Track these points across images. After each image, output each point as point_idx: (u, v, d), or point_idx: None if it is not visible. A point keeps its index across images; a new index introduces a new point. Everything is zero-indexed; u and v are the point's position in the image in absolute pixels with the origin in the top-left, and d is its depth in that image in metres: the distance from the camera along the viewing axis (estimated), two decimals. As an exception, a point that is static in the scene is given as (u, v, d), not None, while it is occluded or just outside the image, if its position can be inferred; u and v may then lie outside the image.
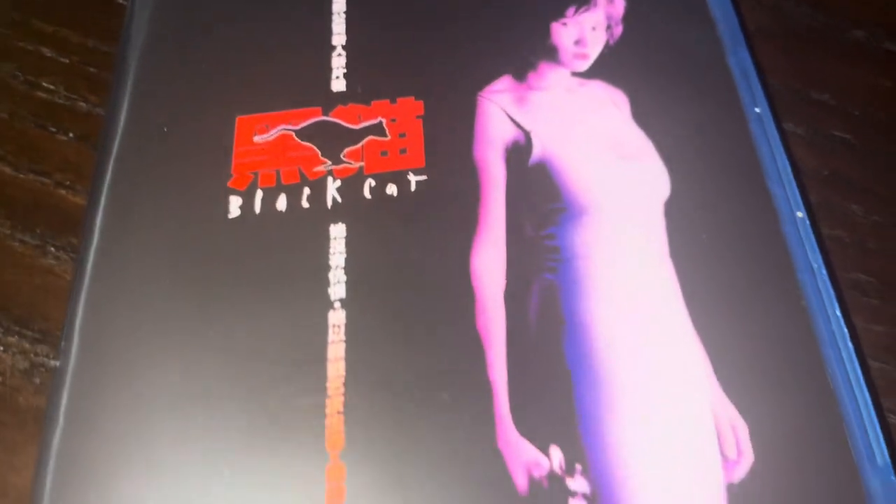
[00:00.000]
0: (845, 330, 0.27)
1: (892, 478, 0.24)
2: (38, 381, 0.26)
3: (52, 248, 0.29)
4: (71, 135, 0.32)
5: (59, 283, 0.28)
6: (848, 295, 0.31)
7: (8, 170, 0.31)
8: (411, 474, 0.23)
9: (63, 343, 0.25)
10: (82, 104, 0.32)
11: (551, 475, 0.23)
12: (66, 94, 0.33)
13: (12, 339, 0.27)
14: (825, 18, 0.39)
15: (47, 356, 0.27)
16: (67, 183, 0.30)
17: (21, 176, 0.30)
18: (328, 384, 0.24)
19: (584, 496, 0.23)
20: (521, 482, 0.23)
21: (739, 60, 0.33)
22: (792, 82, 0.36)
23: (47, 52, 0.34)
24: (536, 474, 0.23)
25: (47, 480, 0.23)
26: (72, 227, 0.29)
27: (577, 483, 0.23)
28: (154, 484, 0.23)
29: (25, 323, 0.27)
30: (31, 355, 0.27)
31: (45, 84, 0.33)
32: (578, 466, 0.23)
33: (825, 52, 0.38)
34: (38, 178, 0.30)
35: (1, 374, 0.26)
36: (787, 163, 0.30)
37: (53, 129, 0.32)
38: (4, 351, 0.27)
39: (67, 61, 0.33)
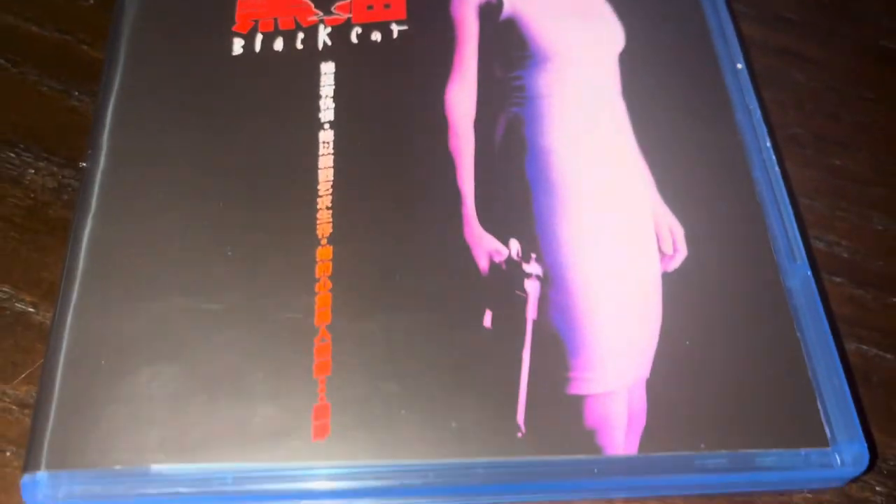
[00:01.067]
0: (773, 157, 0.30)
1: (809, 273, 0.28)
2: (65, 197, 0.30)
3: (76, 93, 0.33)
4: (91, 1, 0.35)
5: (83, 121, 0.32)
6: (786, 146, 0.34)
7: (35, 28, 0.34)
8: (390, 259, 0.27)
9: (90, 151, 0.28)
10: None
11: (509, 260, 0.27)
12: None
13: (42, 164, 0.31)
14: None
15: (73, 178, 0.30)
16: (89, 41, 0.34)
17: (47, 34, 0.34)
18: (319, 186, 0.28)
19: (537, 277, 0.27)
20: (484, 266, 0.27)
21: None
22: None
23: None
24: (497, 259, 0.27)
25: (77, 269, 0.26)
26: (93, 75, 0.33)
27: (532, 267, 0.27)
28: (170, 263, 0.26)
29: (53, 151, 0.31)
30: (59, 177, 0.31)
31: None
32: (533, 255, 0.27)
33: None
34: (62, 35, 0.34)
35: (33, 191, 0.30)
36: (730, 23, 0.34)
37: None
38: (36, 173, 0.31)
39: None
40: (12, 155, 0.31)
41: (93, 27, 0.34)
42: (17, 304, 0.28)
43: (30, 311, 0.28)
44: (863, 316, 0.30)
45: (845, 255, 0.32)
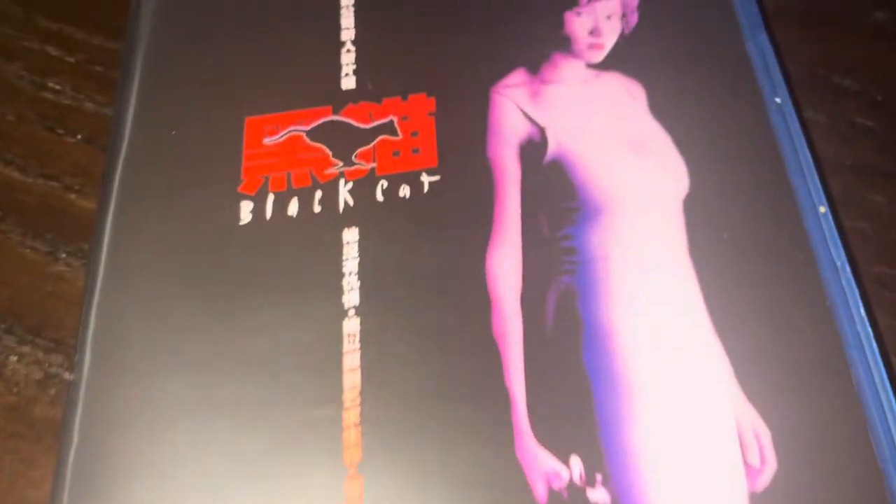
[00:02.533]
0: (870, 330, 0.26)
1: (919, 482, 0.24)
2: (52, 391, 0.26)
3: (64, 255, 0.29)
4: (79, 136, 0.31)
5: (72, 289, 0.28)
6: (871, 290, 0.30)
7: (17, 174, 0.30)
8: (429, 486, 0.23)
9: (77, 356, 0.24)
10: (89, 104, 0.32)
11: (571, 486, 0.23)
12: (73, 94, 0.32)
13: (26, 349, 0.27)
14: (847, 0, 0.37)
15: (61, 366, 0.27)
16: (77, 187, 0.30)
17: (30, 180, 0.30)
18: (344, 395, 0.24)
19: (605, 507, 0.23)
20: (541, 493, 0.23)
21: (758, 45, 0.32)
22: (813, 67, 0.35)
23: (53, 50, 0.33)
24: (556, 485, 0.23)
25: (64, 497, 0.23)
26: (82, 232, 0.29)
27: (598, 494, 0.23)
28: (170, 497, 0.22)
29: (38, 331, 0.27)
30: (45, 365, 0.27)
31: (51, 84, 0.32)
32: (599, 476, 0.23)
33: (846, 35, 0.36)
34: (47, 182, 0.30)
35: (16, 384, 0.26)
36: (808, 155, 0.29)
37: (61, 132, 0.31)
38: (18, 361, 0.27)
39: (73, 60, 0.33)
40: (-7, 338, 0.27)
41: (82, 168, 0.31)
42: (-1, 534, 0.24)
43: (14, 544, 0.24)
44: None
45: (950, 432, 0.27)
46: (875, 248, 0.31)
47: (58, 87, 0.32)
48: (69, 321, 0.27)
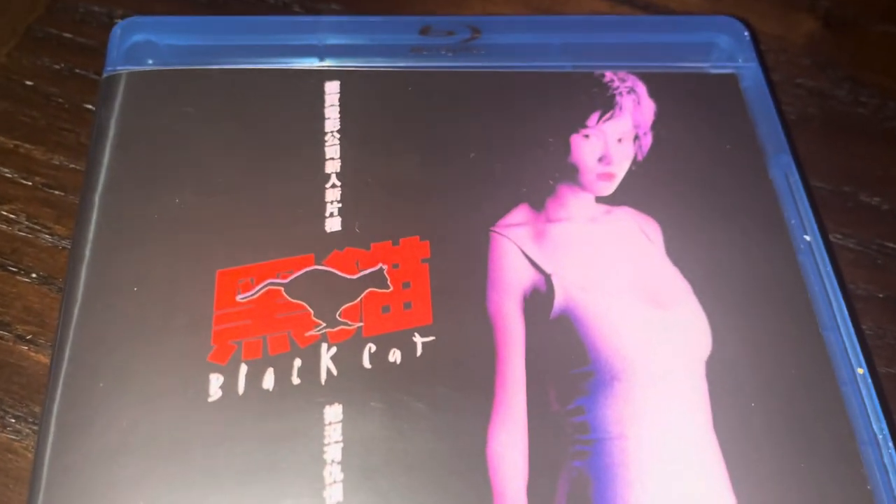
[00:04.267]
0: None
1: None
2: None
3: (13, 420, 0.26)
4: (34, 275, 0.28)
5: (21, 463, 0.25)
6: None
7: (-38, 323, 0.27)
8: None
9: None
10: (46, 236, 0.29)
11: None
12: (29, 223, 0.29)
13: (-34, 543, 0.24)
14: (872, 104, 0.35)
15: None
16: (29, 337, 0.27)
17: (-23, 330, 0.27)
18: None
19: None
20: None
21: (781, 167, 0.29)
22: (838, 182, 0.33)
23: (7, 172, 0.30)
24: None
25: None
26: (35, 391, 0.26)
27: None
28: None
29: (-19, 527, 0.24)
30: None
31: (4, 212, 0.29)
32: None
33: (873, 143, 0.34)
34: (-4, 331, 0.27)
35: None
36: (843, 305, 0.27)
37: (14, 269, 0.28)
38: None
39: (30, 183, 0.30)
40: (-73, 528, 0.24)
41: (37, 314, 0.27)
42: None
43: None
44: None
45: None
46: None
47: (12, 216, 0.29)
48: (18, 501, 0.24)
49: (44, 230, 0.29)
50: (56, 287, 0.28)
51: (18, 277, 0.28)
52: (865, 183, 0.33)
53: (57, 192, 0.30)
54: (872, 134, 0.34)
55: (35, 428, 0.25)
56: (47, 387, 0.24)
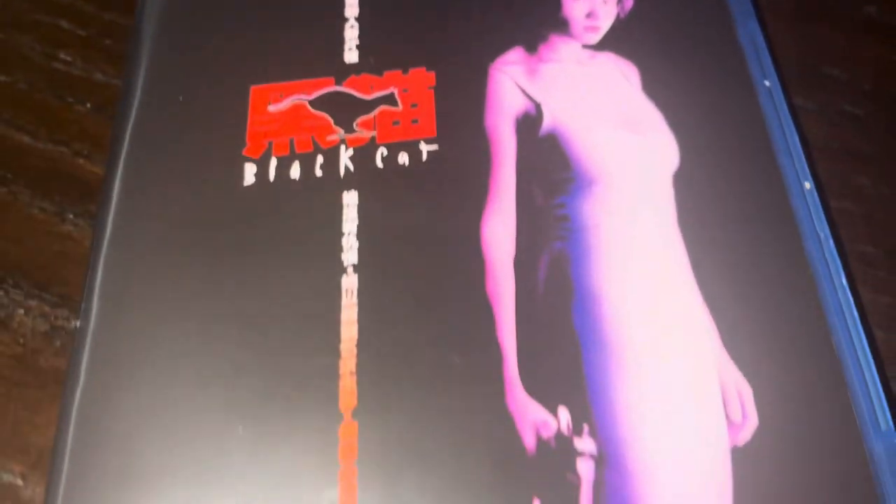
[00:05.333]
0: (851, 298, 0.27)
1: (895, 440, 0.25)
2: (58, 343, 0.27)
3: (71, 216, 0.30)
4: (88, 105, 0.32)
5: (78, 249, 0.29)
6: (855, 266, 0.31)
7: (27, 139, 0.31)
8: (421, 434, 0.23)
9: (83, 304, 0.25)
10: (99, 75, 0.33)
11: (559, 435, 0.24)
12: (83, 65, 0.33)
13: (33, 303, 0.28)
14: (837, -7, 0.39)
15: (66, 319, 0.27)
16: (85, 152, 0.31)
17: (40, 146, 0.31)
18: (341, 346, 0.25)
19: (591, 456, 0.23)
20: (530, 442, 0.24)
21: (749, 33, 0.33)
22: (803, 57, 0.36)
23: (64, 24, 0.34)
24: (544, 434, 0.24)
25: (68, 439, 0.24)
26: (89, 195, 0.30)
27: (585, 443, 0.24)
28: (171, 441, 0.23)
29: (45, 287, 0.28)
30: (51, 318, 0.27)
31: (62, 56, 0.33)
32: (586, 427, 0.24)
33: (836, 27, 0.38)
34: (56, 147, 0.31)
35: (22, 336, 0.27)
36: (795, 135, 0.30)
37: (71, 100, 0.32)
38: (25, 314, 0.28)
39: (84, 33, 0.34)
40: (0, 292, 0.28)
41: (91, 135, 0.31)
42: (3, 475, 0.25)
43: (18, 485, 0.25)
44: (952, 477, 0.27)
45: (930, 403, 0.28)
46: (860, 228, 0.32)
47: (69, 59, 0.33)
48: (75, 278, 0.28)
49: (96, 70, 0.33)
50: (106, 115, 0.32)
51: (75, 107, 0.32)
52: (826, 57, 0.36)
53: (107, 41, 0.34)
54: (835, 19, 0.38)
55: (89, 223, 0.29)
56: (103, 187, 0.28)
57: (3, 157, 0.31)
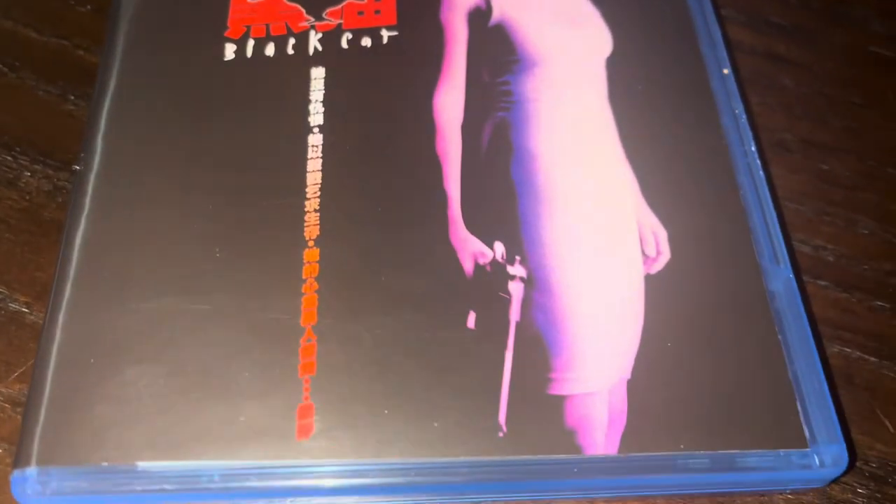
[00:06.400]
0: (758, 163, 0.31)
1: (791, 276, 0.28)
2: (59, 199, 0.31)
3: (72, 97, 0.33)
4: (88, 7, 0.36)
5: (79, 125, 0.32)
6: (773, 151, 0.35)
7: (33, 34, 0.35)
8: (375, 259, 0.27)
9: (83, 154, 0.29)
10: (97, -19, 0.36)
11: (494, 262, 0.27)
12: (83, -26, 0.37)
13: (38, 167, 0.31)
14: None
15: (67, 181, 0.31)
16: (85, 46, 0.35)
17: (44, 39, 0.35)
18: (307, 189, 0.28)
19: (521, 279, 0.27)
20: (469, 267, 0.27)
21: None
22: (736, -26, 0.40)
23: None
24: (481, 261, 0.27)
25: (70, 272, 0.27)
26: (88, 80, 0.33)
27: (516, 269, 0.27)
28: (160, 262, 0.27)
29: (49, 154, 0.32)
30: (55, 180, 0.31)
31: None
32: (518, 257, 0.28)
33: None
34: (59, 41, 0.35)
35: (28, 193, 0.31)
36: (718, 30, 0.34)
37: (72, 2, 0.36)
38: (31, 176, 0.31)
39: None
40: (9, 158, 0.32)
41: (90, 32, 0.35)
42: (11, 305, 0.29)
43: (23, 311, 0.29)
44: (847, 319, 0.31)
45: (831, 259, 0.32)
46: (778, 119, 0.36)
47: (70, -32, 0.37)
48: (76, 147, 0.32)
49: (96, -23, 0.37)
50: (104, 15, 0.35)
51: (76, 8, 0.36)
52: (758, -25, 0.40)
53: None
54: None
55: (88, 103, 0.33)
56: (99, 67, 0.31)
57: (12, 49, 0.34)
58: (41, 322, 0.28)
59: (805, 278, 0.31)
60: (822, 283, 0.31)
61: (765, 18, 0.39)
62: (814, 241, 0.32)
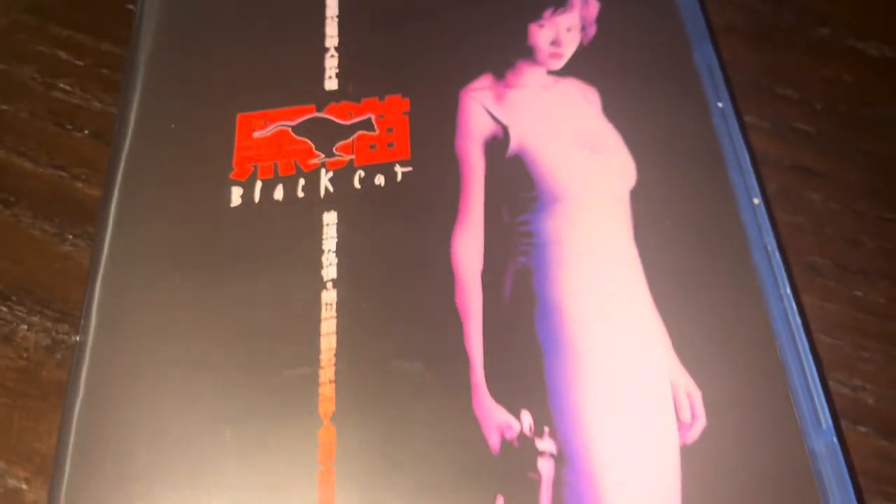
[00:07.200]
0: (794, 306, 0.29)
1: (835, 439, 0.27)
2: (59, 356, 0.29)
3: (70, 236, 0.32)
4: (86, 132, 0.34)
5: (77, 267, 0.31)
6: (804, 276, 0.33)
7: (29, 164, 0.33)
8: (394, 437, 0.25)
9: (83, 320, 0.27)
10: (96, 103, 0.35)
11: (521, 436, 0.26)
12: (82, 94, 0.35)
13: (35, 319, 0.30)
14: (793, 17, 0.41)
15: (67, 334, 0.29)
16: (83, 176, 0.33)
17: (41, 170, 0.33)
18: (321, 356, 0.27)
19: (551, 455, 0.26)
20: (494, 442, 0.26)
21: (704, 55, 0.35)
22: (758, 78, 0.39)
23: (63, 55, 0.36)
24: (508, 435, 0.26)
25: (69, 446, 0.26)
26: (88, 216, 0.32)
27: (545, 443, 0.26)
28: (164, 445, 0.25)
29: (47, 304, 0.30)
30: (53, 333, 0.30)
31: (61, 85, 0.35)
32: (546, 429, 0.26)
33: (791, 49, 0.40)
34: (56, 171, 0.33)
35: (25, 350, 0.29)
36: (746, 153, 0.33)
37: (70, 127, 0.34)
38: (28, 329, 0.30)
39: (82, 64, 0.36)
40: (4, 309, 0.30)
41: (89, 161, 0.34)
42: (9, 480, 0.27)
43: (23, 489, 0.27)
44: (890, 471, 0.29)
45: (871, 402, 0.30)
46: (808, 241, 0.34)
47: (68, 88, 0.35)
48: (75, 295, 0.30)
49: (94, 98, 0.35)
50: (103, 140, 0.34)
51: (73, 133, 0.34)
52: (780, 78, 0.39)
53: (104, 71, 0.36)
54: (790, 42, 0.40)
55: (88, 243, 0.31)
56: (100, 209, 0.30)
57: (7, 182, 0.33)
58: (41, 501, 0.26)
59: (844, 424, 0.30)
60: (863, 429, 0.30)
61: (789, 125, 0.37)
62: (852, 381, 0.31)
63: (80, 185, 0.33)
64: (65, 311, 0.30)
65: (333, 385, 0.26)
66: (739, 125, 0.34)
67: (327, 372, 0.26)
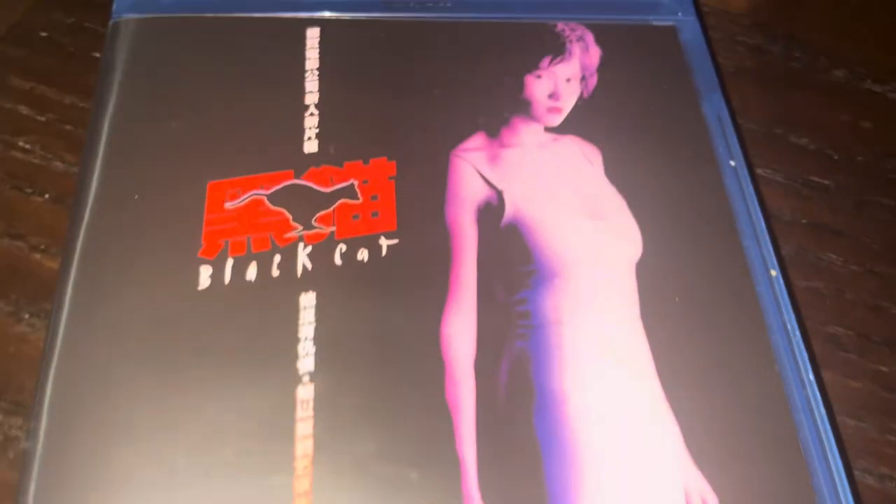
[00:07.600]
0: (818, 395, 0.27)
1: (862, 548, 0.24)
2: (11, 455, 0.27)
3: (27, 315, 0.29)
4: (47, 196, 0.32)
5: (33, 351, 0.28)
6: (825, 349, 0.31)
7: (-17, 234, 0.31)
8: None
9: (33, 423, 0.25)
10: (58, 164, 0.32)
11: (518, 556, 0.23)
12: (43, 153, 0.33)
13: (-14, 412, 0.27)
14: (805, 57, 0.38)
15: (21, 429, 0.27)
16: (42, 247, 0.30)
17: (-4, 240, 0.31)
18: (295, 463, 0.24)
19: (552, 575, 0.23)
20: (489, 562, 0.23)
21: (713, 106, 0.33)
22: (770, 125, 0.36)
23: (24, 109, 0.34)
24: (503, 555, 0.23)
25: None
26: (46, 293, 0.29)
27: (545, 562, 0.23)
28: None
29: (-1, 393, 0.27)
30: (5, 427, 0.27)
31: (21, 143, 0.33)
32: (546, 544, 0.23)
33: (804, 93, 0.37)
34: (13, 242, 0.31)
35: (-25, 448, 0.27)
36: (761, 218, 0.30)
37: (29, 191, 0.32)
38: (-22, 424, 0.27)
39: (44, 119, 0.34)
40: (-48, 401, 0.27)
41: (48, 228, 0.31)
42: None
43: None
44: (923, 575, 0.27)
45: (899, 494, 0.28)
46: (828, 308, 0.32)
47: (27, 147, 0.33)
48: (30, 384, 0.28)
49: (56, 158, 0.33)
50: (65, 205, 0.31)
51: (33, 198, 0.32)
52: (795, 126, 0.36)
53: (68, 127, 0.33)
54: (803, 85, 0.38)
55: (45, 322, 0.29)
56: (56, 289, 0.27)
57: (-41, 254, 0.30)
58: None
59: (872, 519, 0.27)
60: (892, 525, 0.27)
61: (805, 178, 0.35)
62: (879, 470, 0.28)
63: (38, 256, 0.30)
64: (18, 402, 0.27)
65: (310, 498, 0.23)
66: (753, 183, 0.31)
67: (302, 482, 0.24)
